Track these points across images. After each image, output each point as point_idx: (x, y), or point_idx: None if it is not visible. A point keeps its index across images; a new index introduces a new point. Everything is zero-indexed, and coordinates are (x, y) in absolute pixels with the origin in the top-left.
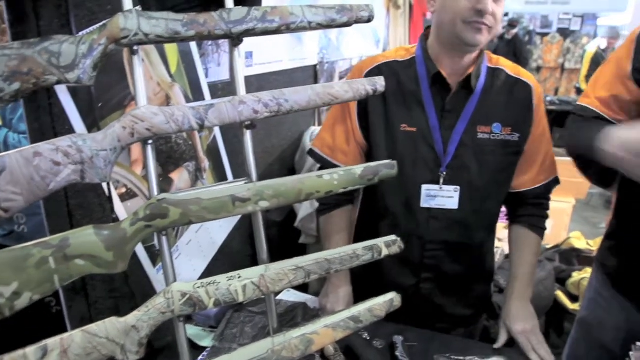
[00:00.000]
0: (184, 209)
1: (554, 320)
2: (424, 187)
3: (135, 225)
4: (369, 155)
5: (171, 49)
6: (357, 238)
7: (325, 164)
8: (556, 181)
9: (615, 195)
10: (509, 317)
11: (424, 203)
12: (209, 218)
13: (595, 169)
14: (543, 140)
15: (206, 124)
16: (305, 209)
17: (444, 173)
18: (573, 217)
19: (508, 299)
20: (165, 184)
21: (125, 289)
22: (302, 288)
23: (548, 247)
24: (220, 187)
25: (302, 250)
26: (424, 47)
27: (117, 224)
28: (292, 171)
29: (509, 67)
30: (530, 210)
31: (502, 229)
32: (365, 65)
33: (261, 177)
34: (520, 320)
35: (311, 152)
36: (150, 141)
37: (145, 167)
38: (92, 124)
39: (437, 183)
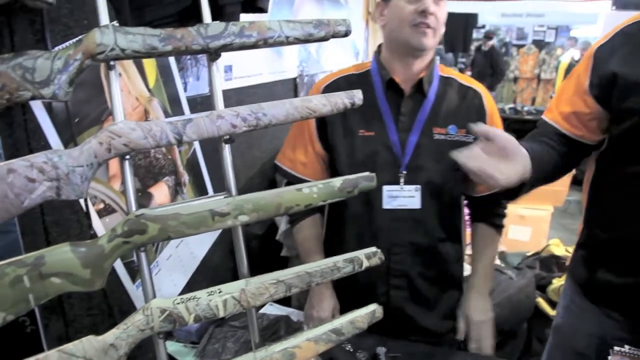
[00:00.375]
0: (163, 224)
1: (535, 327)
2: (385, 188)
3: (113, 242)
4: (331, 163)
5: (149, 63)
6: (326, 244)
7: (288, 177)
8: None
9: (585, 205)
10: (468, 308)
11: (386, 204)
12: (188, 233)
13: None
14: None
15: (184, 139)
16: (286, 222)
17: (404, 173)
18: (552, 224)
19: (467, 292)
20: (144, 198)
21: (103, 306)
22: (285, 301)
23: (528, 254)
24: (199, 201)
25: (284, 263)
26: (378, 60)
27: (94, 241)
28: (273, 184)
29: (460, 76)
30: (491, 209)
31: None
32: (323, 81)
33: (242, 190)
34: (477, 311)
35: (276, 167)
36: (127, 156)
37: (123, 182)
38: (69, 140)
39: (398, 183)
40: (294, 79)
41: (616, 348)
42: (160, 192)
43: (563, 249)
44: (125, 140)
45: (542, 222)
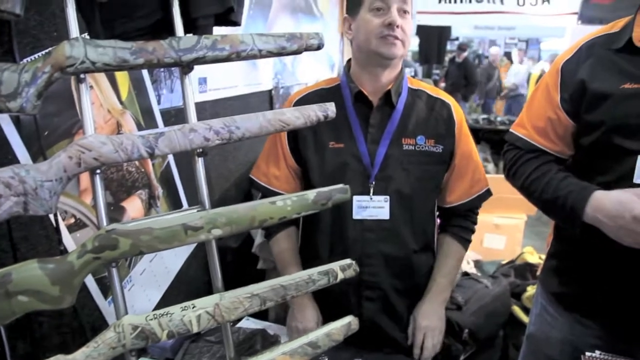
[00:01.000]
0: (135, 239)
1: (511, 335)
2: (355, 198)
3: (83, 258)
4: (304, 175)
5: (122, 76)
6: (301, 255)
7: (263, 191)
8: (488, 193)
9: None
10: (419, 313)
11: (357, 215)
12: (161, 248)
13: (567, 221)
14: (470, 155)
15: (156, 153)
16: (262, 234)
17: (373, 184)
18: (525, 232)
19: (423, 298)
20: (116, 213)
21: (74, 324)
22: (262, 315)
23: (503, 262)
24: (172, 215)
25: (261, 276)
26: (347, 74)
27: (64, 257)
28: (249, 196)
29: (429, 88)
30: (459, 221)
31: None
32: (294, 96)
33: (217, 203)
34: (427, 318)
35: (251, 181)
36: (98, 170)
37: (94, 196)
38: (38, 153)
39: (368, 194)
40: (270, 91)
41: (587, 354)
42: (133, 205)
43: (537, 257)
44: (96, 154)
45: (517, 230)
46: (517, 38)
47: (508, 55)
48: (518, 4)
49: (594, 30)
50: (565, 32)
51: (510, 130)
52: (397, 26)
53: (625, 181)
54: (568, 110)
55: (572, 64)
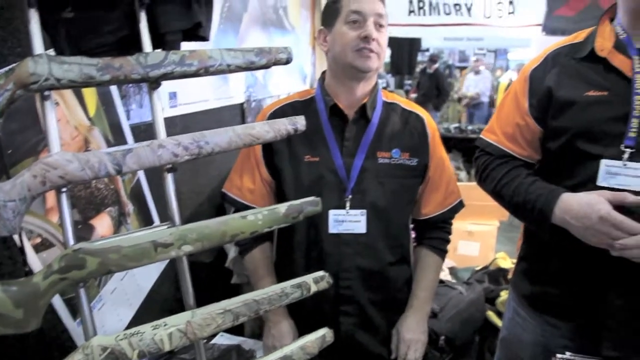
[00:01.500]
0: (103, 258)
1: (487, 339)
2: (331, 212)
3: (49, 279)
4: (278, 189)
5: (89, 91)
6: (276, 270)
7: (236, 205)
8: (461, 204)
9: None
10: (401, 325)
11: (332, 229)
12: (130, 266)
13: (537, 224)
14: (444, 167)
15: (124, 169)
16: (235, 249)
17: (349, 197)
18: (498, 238)
19: (406, 312)
20: (85, 231)
21: (40, 347)
22: (237, 330)
23: (477, 269)
24: (141, 232)
25: (236, 291)
26: (322, 86)
27: (28, 279)
28: (222, 210)
29: (403, 102)
30: (435, 233)
31: None
32: (268, 108)
33: (189, 218)
34: (411, 331)
35: (223, 195)
36: (64, 189)
37: (60, 215)
38: (0, 172)
39: (344, 208)
40: (241, 104)
41: (558, 355)
42: (103, 223)
43: (509, 262)
44: (61, 173)
45: (490, 236)
46: (486, 49)
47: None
48: (485, 15)
49: (558, 41)
50: (531, 43)
51: (481, 136)
52: (373, 39)
53: (589, 184)
54: (536, 117)
55: (539, 72)
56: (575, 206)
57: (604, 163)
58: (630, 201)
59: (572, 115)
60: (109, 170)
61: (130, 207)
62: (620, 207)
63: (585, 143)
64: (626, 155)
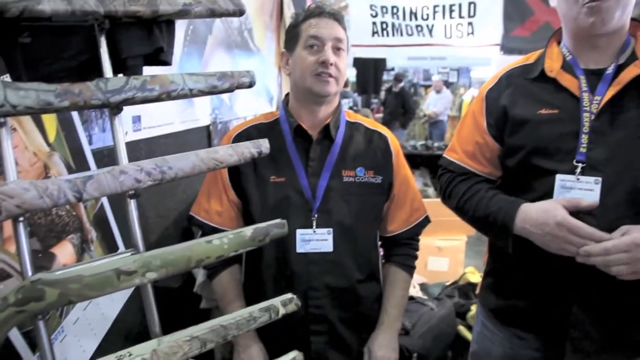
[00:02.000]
0: (63, 288)
1: (458, 355)
2: (299, 232)
3: (5, 312)
4: (245, 210)
5: (49, 116)
6: (245, 292)
7: (204, 228)
8: (427, 220)
9: None
10: (374, 344)
11: (300, 248)
12: (92, 295)
13: (500, 237)
14: (408, 185)
15: (84, 197)
16: (203, 273)
17: (316, 217)
18: (467, 252)
19: (377, 329)
20: (45, 260)
21: None
22: (208, 355)
23: (447, 284)
24: (104, 260)
25: (206, 316)
26: (286, 108)
27: None
28: (190, 234)
29: (366, 121)
30: (402, 250)
31: None
32: (233, 130)
33: (156, 243)
34: (382, 348)
35: (190, 219)
36: (21, 218)
37: (17, 245)
38: None
39: (310, 227)
40: (207, 126)
41: None
42: (64, 251)
43: (478, 276)
44: (18, 202)
45: (458, 251)
46: (449, 67)
47: (445, 82)
48: (446, 36)
49: (513, 61)
50: (491, 61)
51: (443, 155)
52: (331, 64)
53: (546, 198)
54: (494, 135)
55: (494, 92)
56: (534, 214)
57: (559, 178)
58: (584, 205)
59: (527, 133)
60: (68, 198)
61: (93, 234)
62: (576, 213)
63: (541, 159)
64: (578, 170)
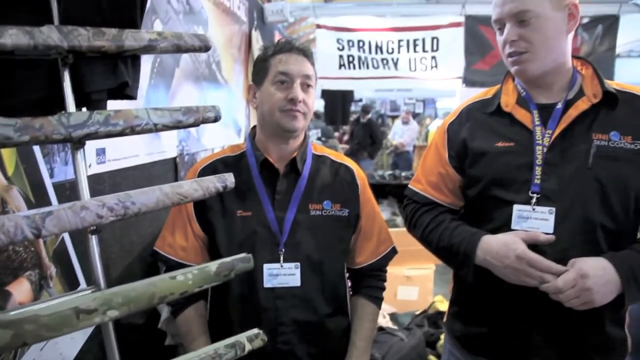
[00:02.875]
0: (17, 329)
1: None
2: (266, 266)
3: None
4: (210, 244)
5: (8, 149)
6: (211, 329)
7: (169, 263)
8: (394, 251)
9: None
10: None
11: (267, 283)
12: (49, 336)
13: (461, 267)
14: (375, 217)
15: (43, 233)
16: (168, 309)
17: (283, 251)
18: (436, 281)
19: None
20: (0, 299)
21: None
22: None
23: (417, 313)
24: (62, 299)
25: (171, 353)
26: (252, 141)
27: None
28: (155, 269)
29: (332, 154)
30: (370, 282)
31: None
32: (200, 164)
33: (120, 279)
34: None
35: (154, 253)
36: None
37: None
38: None
39: (278, 261)
40: (174, 158)
41: None
42: (21, 289)
43: (447, 305)
44: None
45: (427, 280)
46: (415, 98)
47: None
48: (410, 69)
49: (477, 93)
50: (456, 93)
51: (409, 186)
52: (300, 101)
53: (505, 227)
54: (455, 166)
55: (455, 125)
56: (495, 246)
57: (516, 208)
58: (541, 240)
59: (485, 165)
60: (26, 235)
61: (53, 270)
62: (534, 246)
63: (499, 190)
64: (534, 200)
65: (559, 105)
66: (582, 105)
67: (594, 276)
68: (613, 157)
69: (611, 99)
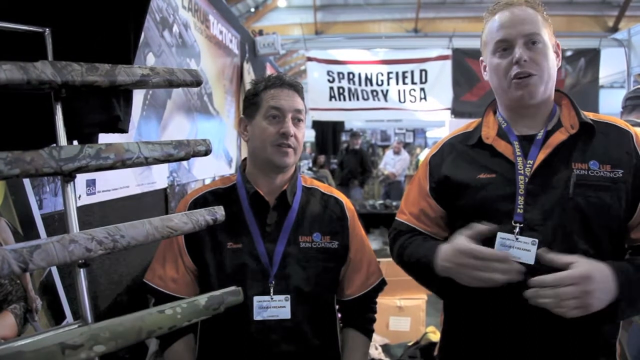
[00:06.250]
0: None
1: None
2: (256, 299)
3: None
4: (201, 276)
5: None
6: None
7: (159, 296)
8: (383, 282)
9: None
10: None
11: (257, 316)
12: None
13: (430, 281)
14: (364, 249)
15: (30, 267)
16: (156, 342)
17: (273, 283)
18: (428, 311)
19: None
20: None
21: None
22: None
23: (409, 344)
24: (48, 334)
25: None
26: (243, 174)
27: None
28: (144, 302)
29: (322, 187)
30: (360, 313)
31: None
32: (190, 195)
33: (107, 313)
34: None
35: (144, 285)
36: None
37: None
38: None
39: (268, 294)
40: (165, 189)
41: None
42: (5, 323)
43: (439, 335)
44: None
45: (419, 310)
46: (405, 128)
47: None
48: (400, 101)
49: (466, 123)
50: (445, 123)
51: (395, 218)
52: (291, 136)
53: None
54: (435, 198)
55: (437, 158)
56: (447, 250)
57: (499, 236)
58: (482, 229)
59: (469, 196)
60: (13, 269)
61: (38, 303)
62: (488, 241)
63: (483, 220)
64: (517, 230)
65: (539, 136)
66: (560, 136)
67: (599, 281)
68: (594, 186)
69: (588, 130)
